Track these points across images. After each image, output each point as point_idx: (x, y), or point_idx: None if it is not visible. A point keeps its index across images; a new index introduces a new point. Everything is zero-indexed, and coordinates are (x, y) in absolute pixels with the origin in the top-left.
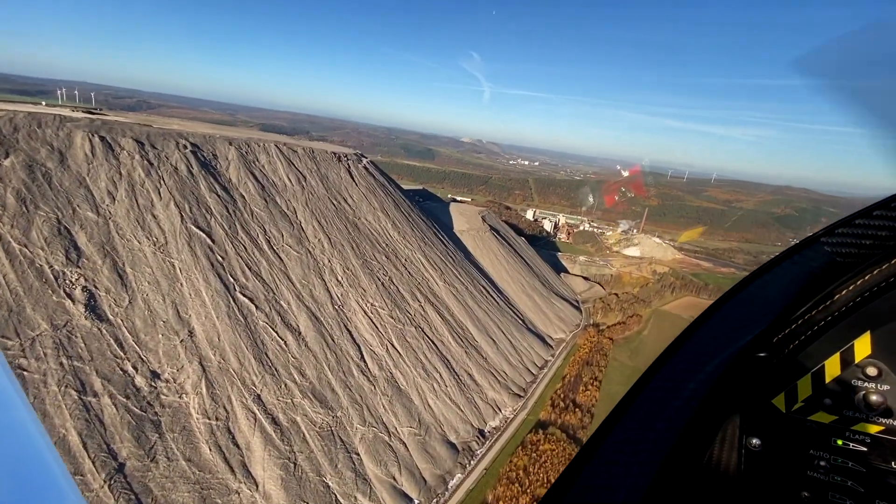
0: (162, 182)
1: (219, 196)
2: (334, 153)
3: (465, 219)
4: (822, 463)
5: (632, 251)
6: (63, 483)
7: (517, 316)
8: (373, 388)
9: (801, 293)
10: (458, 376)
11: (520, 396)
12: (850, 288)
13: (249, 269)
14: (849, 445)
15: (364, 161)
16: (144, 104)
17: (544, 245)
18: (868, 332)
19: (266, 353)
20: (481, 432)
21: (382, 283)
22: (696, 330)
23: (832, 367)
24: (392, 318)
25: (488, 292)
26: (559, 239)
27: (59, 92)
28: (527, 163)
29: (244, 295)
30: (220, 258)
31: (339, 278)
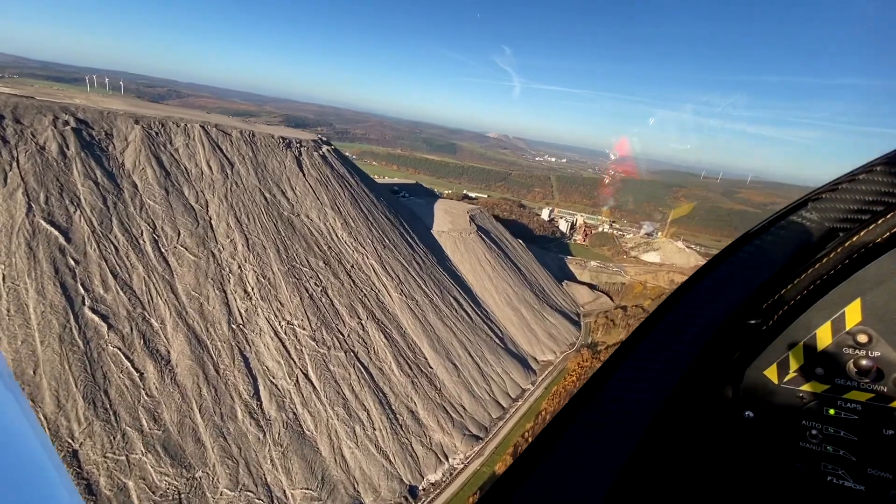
0: (14, 165)
1: (96, 184)
2: (283, 138)
3: (449, 218)
4: (815, 433)
5: (651, 256)
6: (61, 486)
7: (496, 334)
8: (261, 435)
9: (791, 259)
10: (395, 415)
11: (477, 439)
12: (839, 251)
13: (115, 276)
14: (841, 414)
15: (323, 149)
16: (174, 93)
17: (556, 247)
18: (858, 299)
19: (106, 391)
20: (412, 491)
21: (311, 296)
22: (684, 293)
23: (823, 335)
24: (314, 339)
25: (460, 306)
26: (574, 241)
27: (87, 79)
28: (553, 159)
29: (94, 311)
30: (71, 262)
31: (250, 289)
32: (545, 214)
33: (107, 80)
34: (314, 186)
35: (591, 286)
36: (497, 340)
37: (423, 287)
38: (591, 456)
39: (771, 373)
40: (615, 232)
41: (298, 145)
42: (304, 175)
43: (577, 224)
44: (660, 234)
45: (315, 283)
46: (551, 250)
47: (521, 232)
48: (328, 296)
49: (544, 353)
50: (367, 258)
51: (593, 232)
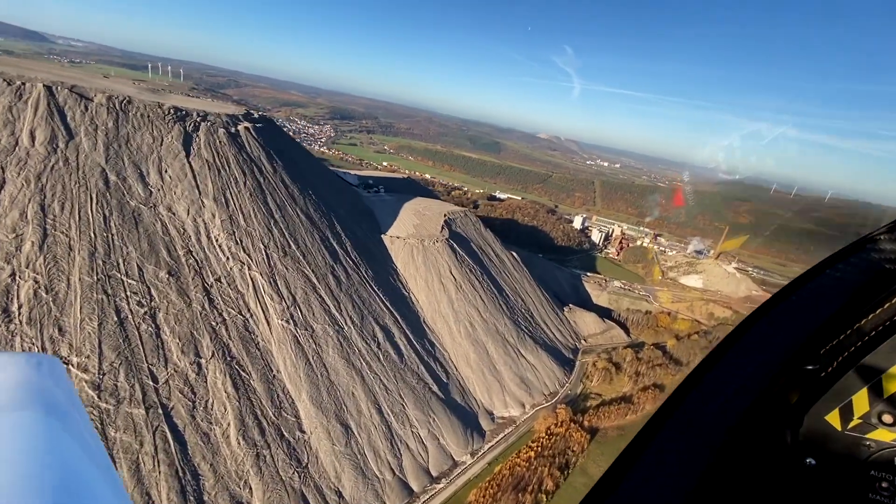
0: None
1: None
2: (178, 109)
3: (415, 221)
4: (885, 485)
5: (692, 280)
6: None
7: (437, 379)
8: None
9: (848, 302)
10: None
11: None
12: None
13: None
14: None
15: (240, 126)
16: (233, 82)
17: (578, 261)
18: None
19: None
20: None
21: (122, 321)
22: (737, 340)
23: (890, 380)
24: (96, 388)
25: (388, 338)
26: (606, 254)
27: (149, 66)
28: (606, 164)
29: None
30: None
31: (17, 307)
32: (578, 222)
33: (169, 67)
34: (198, 171)
35: (606, 314)
36: (435, 388)
37: (335, 311)
38: (650, 494)
39: (833, 419)
40: (656, 247)
41: (199, 119)
42: (187, 156)
43: (613, 235)
44: (710, 253)
45: (138, 303)
46: (570, 264)
47: (538, 241)
48: (154, 322)
49: (507, 406)
50: (248, 269)
51: (630, 245)
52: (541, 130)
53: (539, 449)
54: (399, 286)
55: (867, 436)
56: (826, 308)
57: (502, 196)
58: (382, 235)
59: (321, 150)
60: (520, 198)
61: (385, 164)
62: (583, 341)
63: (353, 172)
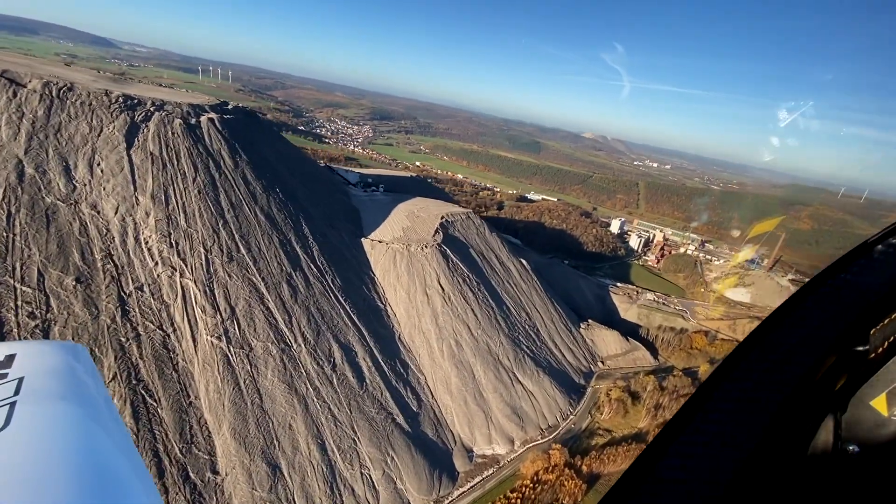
0: None
1: None
2: (128, 97)
3: (407, 223)
4: None
5: (738, 294)
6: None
7: (404, 407)
8: None
9: None
10: None
11: None
12: None
13: None
14: None
15: (203, 117)
16: (280, 84)
17: (610, 269)
18: None
19: None
20: None
21: (2, 336)
22: (782, 319)
23: None
24: None
25: (347, 358)
26: (644, 261)
27: (199, 68)
28: (655, 165)
29: None
30: None
31: None
32: (615, 226)
33: (220, 70)
34: (138, 165)
35: (633, 331)
36: (400, 419)
37: (283, 326)
38: (686, 482)
39: (879, 403)
40: (701, 256)
41: (153, 109)
42: (128, 148)
43: (654, 241)
44: (763, 262)
45: (30, 314)
46: (601, 272)
47: (565, 246)
48: (46, 336)
49: (492, 441)
50: (181, 276)
51: (671, 252)
52: (586, 130)
53: (519, 501)
54: (374, 297)
55: None
56: (878, 286)
57: (535, 197)
58: (363, 239)
59: (355, 149)
60: (554, 199)
61: (418, 163)
62: (599, 364)
63: (357, 170)
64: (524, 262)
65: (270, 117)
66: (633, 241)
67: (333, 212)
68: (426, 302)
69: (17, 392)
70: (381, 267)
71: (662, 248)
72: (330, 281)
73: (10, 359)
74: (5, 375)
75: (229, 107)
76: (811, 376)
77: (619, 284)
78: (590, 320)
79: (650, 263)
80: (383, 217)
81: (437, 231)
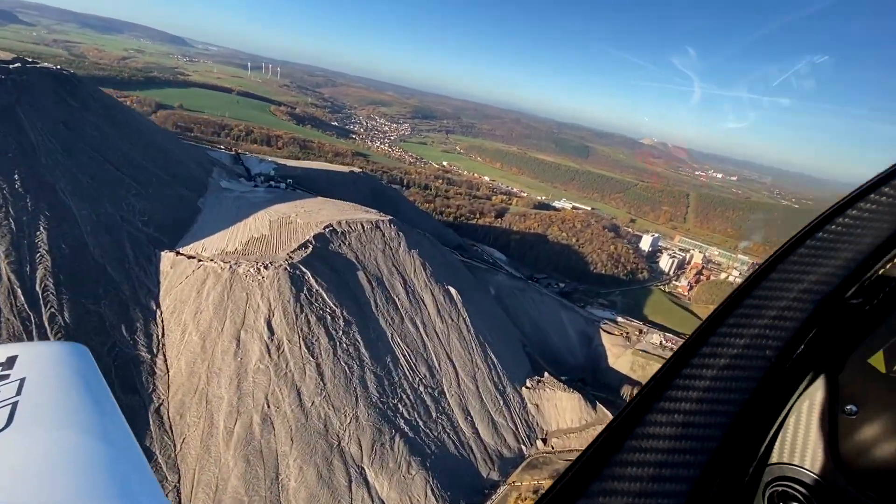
0: None
1: None
2: None
3: (263, 231)
4: None
5: None
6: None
7: None
8: None
9: None
10: None
11: None
12: None
13: None
14: None
15: None
16: (330, 82)
17: (625, 296)
18: None
19: None
20: None
21: None
22: (771, 270)
23: None
24: None
25: None
26: (674, 287)
27: (248, 64)
28: (720, 175)
29: None
30: None
31: None
32: (646, 242)
33: (270, 66)
34: None
35: (617, 386)
36: None
37: None
38: (671, 447)
39: (877, 361)
40: None
41: None
42: None
43: (691, 263)
44: None
45: None
46: (606, 299)
47: (567, 266)
48: None
49: None
50: None
51: (710, 278)
52: (646, 136)
53: None
54: (138, 342)
55: None
56: (874, 235)
57: (564, 205)
58: (165, 252)
59: (380, 147)
60: (588, 208)
61: (445, 163)
62: (538, 443)
63: (282, 162)
64: (452, 290)
65: (299, 111)
66: (664, 262)
67: (143, 211)
68: (232, 351)
69: (18, 392)
70: (174, 294)
71: (699, 273)
72: (58, 311)
73: (11, 360)
74: (7, 376)
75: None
76: (804, 332)
77: (620, 319)
78: (546, 375)
79: (680, 290)
80: (233, 221)
81: (304, 245)
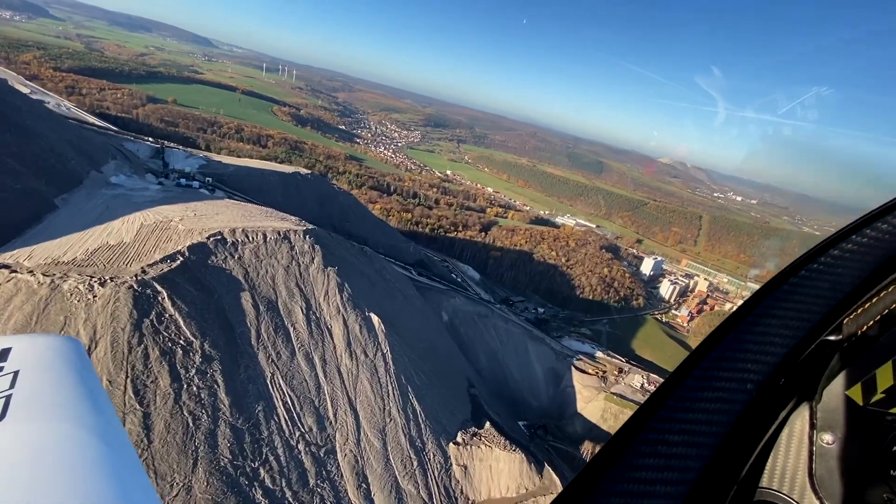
0: None
1: None
2: None
3: (121, 238)
4: None
5: None
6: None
7: None
8: None
9: (876, 270)
10: None
11: None
12: None
13: None
14: None
15: None
16: (347, 86)
17: (613, 325)
18: None
19: None
20: None
21: None
22: (752, 308)
23: None
24: None
25: None
26: (673, 317)
27: (263, 65)
28: (739, 198)
29: None
30: None
31: None
32: (647, 266)
33: (286, 68)
34: None
35: (583, 436)
36: None
37: None
38: (653, 479)
39: (854, 393)
40: None
41: None
42: None
43: (695, 290)
44: None
45: None
46: (590, 328)
47: (550, 290)
48: None
49: None
50: None
51: (714, 308)
52: (665, 155)
53: None
54: None
55: (891, 410)
56: (852, 276)
57: (564, 221)
58: None
59: (384, 153)
60: (592, 225)
61: (448, 172)
62: None
63: (227, 161)
64: (374, 318)
65: (304, 113)
66: (665, 289)
67: None
68: None
69: (12, 385)
70: None
71: (703, 301)
72: None
73: (5, 352)
74: (1, 369)
75: None
76: (784, 367)
77: (599, 354)
78: (488, 425)
79: (679, 320)
80: (93, 224)
81: (171, 258)
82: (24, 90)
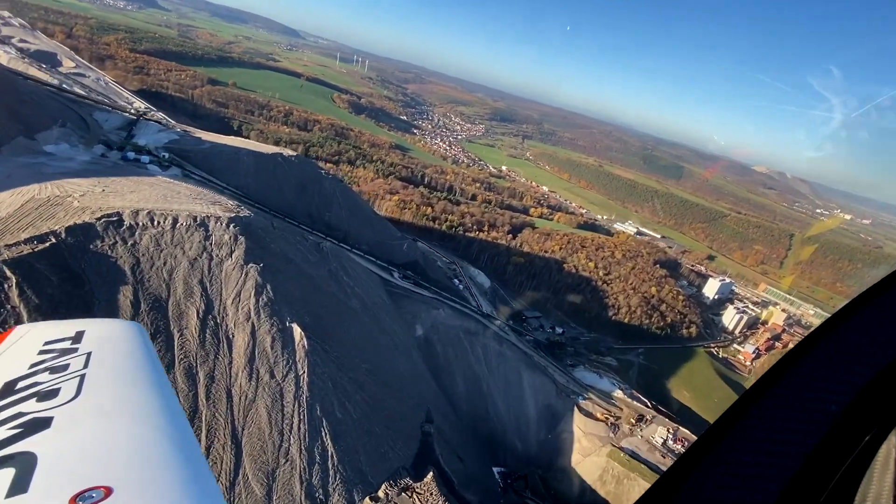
0: None
1: None
2: None
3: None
4: None
5: None
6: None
7: None
8: None
9: None
10: None
11: None
12: None
13: None
14: None
15: None
16: (419, 78)
17: (649, 357)
18: None
19: None
20: None
21: None
22: (839, 324)
23: None
24: None
25: None
26: (735, 352)
27: (337, 55)
28: (849, 217)
29: None
30: None
31: None
32: (711, 288)
33: (361, 59)
34: None
35: (528, 501)
36: None
37: None
38: (729, 499)
39: None
40: None
41: None
42: None
43: (768, 320)
44: None
45: None
46: (617, 358)
47: (574, 305)
48: None
49: None
50: None
51: (789, 345)
52: (760, 163)
53: None
54: None
55: None
56: None
57: (623, 228)
58: None
59: (440, 144)
60: (658, 235)
61: (504, 167)
62: None
63: (206, 137)
64: (295, 328)
65: (364, 102)
66: (728, 317)
67: None
68: None
69: (86, 366)
70: None
71: (777, 337)
72: None
73: (80, 335)
74: (76, 350)
75: None
76: (873, 389)
77: (618, 393)
78: (428, 477)
79: (741, 357)
80: None
81: (38, 239)
82: (70, 64)
